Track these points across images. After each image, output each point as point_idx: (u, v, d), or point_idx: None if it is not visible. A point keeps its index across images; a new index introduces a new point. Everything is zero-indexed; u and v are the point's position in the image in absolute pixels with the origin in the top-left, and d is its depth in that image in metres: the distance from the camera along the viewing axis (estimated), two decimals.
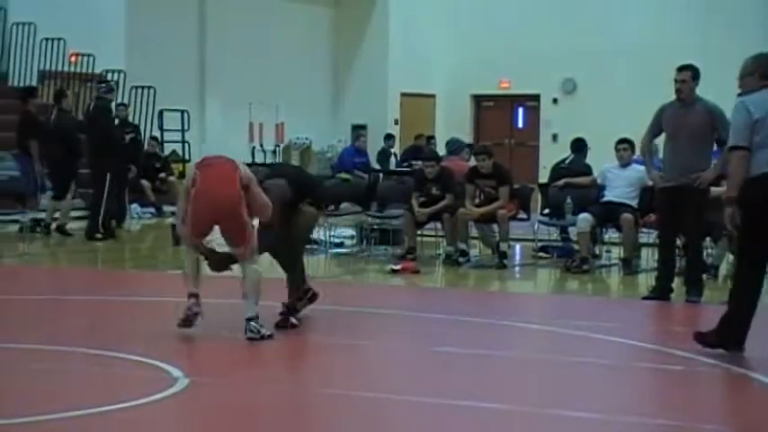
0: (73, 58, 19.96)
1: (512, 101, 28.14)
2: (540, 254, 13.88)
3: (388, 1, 26.69)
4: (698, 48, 21.22)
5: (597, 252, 13.24)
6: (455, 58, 27.26)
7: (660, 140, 10.63)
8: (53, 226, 15.66)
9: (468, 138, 25.05)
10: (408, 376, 7.21)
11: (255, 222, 8.31)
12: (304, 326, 8.35)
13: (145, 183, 18.85)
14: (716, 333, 7.61)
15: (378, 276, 12.52)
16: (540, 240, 14.01)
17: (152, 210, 19.07)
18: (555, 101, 27.27)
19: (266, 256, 8.59)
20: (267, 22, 24.84)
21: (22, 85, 19.40)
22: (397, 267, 12.53)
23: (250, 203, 7.84)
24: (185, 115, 22.33)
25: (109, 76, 18.85)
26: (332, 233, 14.78)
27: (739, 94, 7.81)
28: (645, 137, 10.55)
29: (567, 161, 14.30)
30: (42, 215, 16.03)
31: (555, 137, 26.16)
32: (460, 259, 13.07)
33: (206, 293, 7.96)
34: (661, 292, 10.33)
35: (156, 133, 21.15)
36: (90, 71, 19.76)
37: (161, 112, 21.60)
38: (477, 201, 13.25)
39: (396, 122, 26.75)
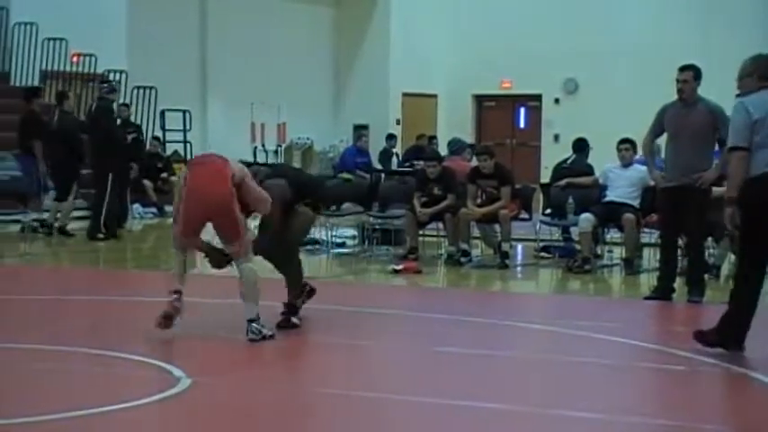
0: (75, 59, 19.98)
1: (513, 101, 28.15)
2: (542, 254, 13.88)
3: (390, 1, 26.70)
4: (699, 48, 21.21)
5: (599, 252, 13.24)
6: (457, 58, 27.27)
7: (662, 140, 10.62)
8: (56, 225, 15.67)
9: (469, 138, 25.06)
10: (410, 376, 7.21)
11: (256, 223, 8.33)
12: (305, 326, 8.35)
13: (147, 183, 18.86)
14: (716, 332, 7.61)
15: (379, 276, 12.52)
16: (542, 240, 14.00)
17: (154, 210, 19.08)
18: (557, 101, 27.28)
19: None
20: (268, 23, 24.85)
21: (24, 84, 19.42)
22: (399, 267, 12.53)
23: (246, 198, 7.84)
24: (187, 115, 22.35)
25: (111, 77, 18.86)
26: (333, 233, 14.79)
27: (738, 95, 7.83)
28: (646, 137, 10.55)
29: (568, 161, 14.29)
30: (45, 215, 16.04)
31: (557, 137, 26.17)
32: (462, 259, 13.07)
33: (206, 293, 7.97)
34: (663, 292, 10.33)
35: (158, 133, 21.17)
36: (92, 71, 19.77)
37: (163, 113, 21.62)
38: (478, 201, 13.25)
39: (397, 122, 26.76)
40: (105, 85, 16.45)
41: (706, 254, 11.15)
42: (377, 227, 14.61)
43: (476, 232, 13.70)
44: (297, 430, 5.96)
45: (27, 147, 16.06)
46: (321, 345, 8.11)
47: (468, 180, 13.30)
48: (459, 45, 27.29)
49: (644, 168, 11.59)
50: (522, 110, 28.33)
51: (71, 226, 15.84)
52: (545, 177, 17.42)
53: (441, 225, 13.54)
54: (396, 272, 12.44)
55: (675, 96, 10.24)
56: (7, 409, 5.88)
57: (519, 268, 13.66)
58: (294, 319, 8.32)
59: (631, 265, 12.50)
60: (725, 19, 24.57)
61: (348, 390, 6.57)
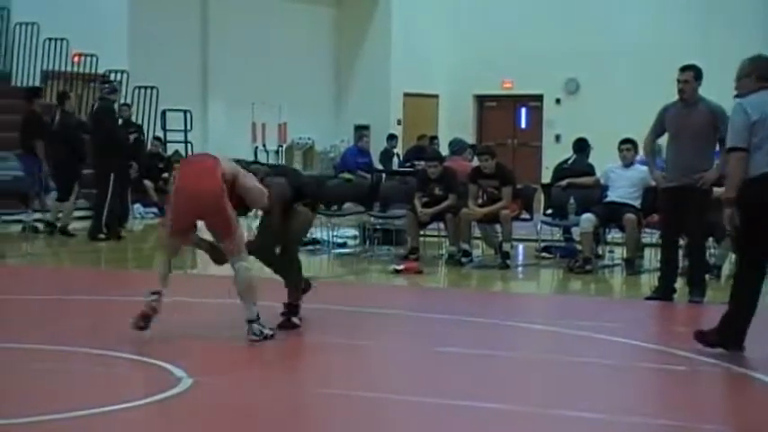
0: (76, 59, 19.99)
1: (514, 101, 28.15)
2: (543, 254, 13.88)
3: (391, 1, 26.70)
4: (699, 48, 21.21)
5: (600, 252, 13.23)
6: (458, 59, 27.28)
7: (663, 141, 10.62)
8: (58, 225, 15.68)
9: (470, 138, 25.05)
10: (410, 376, 7.21)
11: (256, 223, 8.33)
12: (306, 326, 8.35)
13: (147, 183, 18.85)
14: (716, 332, 7.62)
15: (380, 276, 12.52)
16: (543, 241, 14.01)
17: (155, 210, 19.08)
18: (558, 101, 27.28)
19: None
20: (269, 23, 24.86)
21: (25, 85, 19.43)
22: (400, 267, 12.54)
23: (242, 193, 7.85)
24: (188, 115, 22.36)
25: (112, 77, 18.86)
26: (335, 233, 14.79)
27: (736, 96, 7.85)
28: (647, 137, 10.56)
29: (569, 161, 14.29)
30: (47, 215, 16.05)
31: (558, 137, 26.18)
32: (463, 259, 13.07)
33: (206, 293, 7.96)
34: (664, 292, 10.33)
35: (159, 133, 21.17)
36: (93, 71, 19.78)
37: (164, 113, 21.63)
38: (479, 201, 13.24)
39: (398, 123, 26.77)
40: (107, 85, 16.46)
41: (707, 254, 11.15)
42: (378, 227, 14.62)
43: (477, 232, 13.70)
44: (297, 430, 5.96)
45: (29, 147, 16.07)
46: (322, 345, 8.11)
47: (470, 180, 13.30)
48: (460, 45, 27.29)
49: (645, 168, 11.59)
50: (524, 110, 28.33)
51: (72, 226, 15.85)
52: (546, 177, 17.43)
53: (442, 225, 13.54)
54: (397, 272, 12.44)
55: (676, 96, 10.24)
56: (8, 409, 5.88)
57: (520, 268, 13.66)
58: (295, 320, 8.32)
59: (632, 266, 12.50)
60: (725, 19, 24.58)
61: (349, 390, 6.57)
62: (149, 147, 19.57)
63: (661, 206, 10.76)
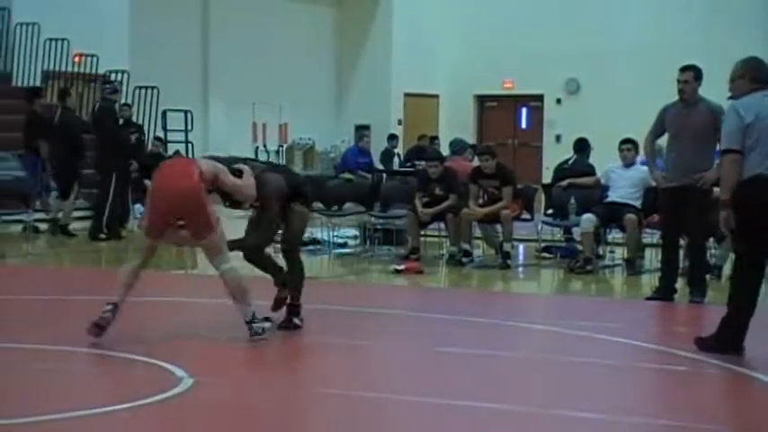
0: (76, 59, 19.99)
1: (515, 101, 28.15)
2: (544, 254, 13.88)
3: (392, 1, 26.70)
4: (700, 48, 21.22)
5: (601, 252, 13.23)
6: (458, 59, 27.27)
7: (664, 141, 10.62)
8: (59, 223, 15.71)
9: (471, 138, 25.04)
10: (411, 376, 7.21)
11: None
12: (307, 326, 8.35)
13: (148, 183, 18.81)
14: (715, 337, 7.64)
15: (381, 276, 12.53)
16: (544, 241, 14.01)
17: None
18: (558, 101, 27.28)
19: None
20: (270, 23, 24.86)
21: (26, 85, 19.43)
22: (401, 267, 12.54)
23: (227, 191, 7.87)
24: (189, 115, 22.35)
25: (112, 77, 18.87)
26: (335, 233, 14.80)
27: (730, 98, 7.88)
28: (647, 137, 10.56)
29: (569, 161, 14.30)
30: (50, 214, 16.07)
31: (558, 137, 26.17)
32: (464, 259, 13.07)
33: (207, 293, 7.95)
34: (664, 292, 10.33)
35: (160, 133, 21.16)
36: (93, 71, 19.78)
37: (164, 113, 21.62)
38: (480, 201, 13.25)
39: (399, 123, 26.77)
40: (108, 85, 16.48)
41: (708, 254, 11.15)
42: (378, 227, 14.62)
43: (477, 232, 13.70)
44: (298, 430, 5.96)
45: (32, 147, 16.07)
46: (322, 345, 8.11)
47: (470, 180, 13.30)
48: (460, 45, 27.29)
49: (645, 169, 11.59)
50: (524, 110, 28.33)
51: (73, 226, 15.86)
52: (547, 178, 17.43)
53: (442, 225, 13.54)
54: (397, 272, 12.44)
55: (676, 97, 10.25)
56: (9, 409, 5.89)
57: (520, 268, 13.66)
58: (296, 320, 8.32)
59: (633, 266, 12.50)
60: (726, 19, 24.57)
61: (349, 390, 6.57)
62: (150, 147, 19.56)
63: (661, 206, 10.76)
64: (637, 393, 6.96)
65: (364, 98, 26.65)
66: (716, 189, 10.09)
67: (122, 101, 18.29)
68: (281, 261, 8.56)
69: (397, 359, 7.83)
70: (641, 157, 12.32)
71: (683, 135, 10.06)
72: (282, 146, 24.98)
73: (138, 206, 18.23)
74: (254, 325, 7.75)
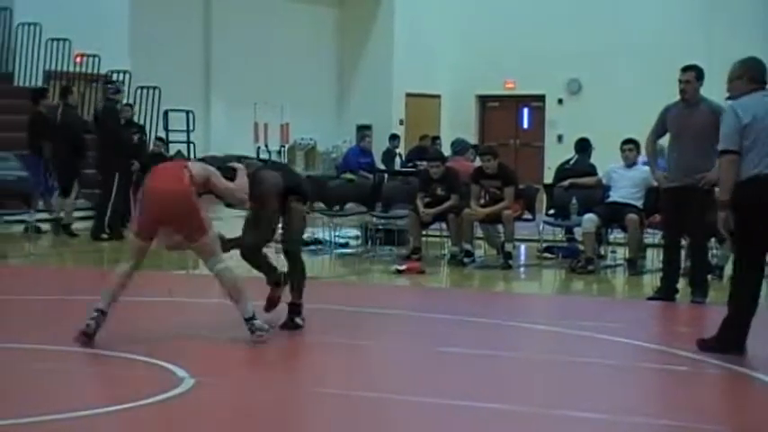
0: (78, 59, 19.99)
1: (517, 101, 28.15)
2: (545, 254, 13.87)
3: (394, 1, 26.70)
4: (702, 48, 21.23)
5: (602, 253, 13.23)
6: (460, 59, 27.27)
7: (666, 141, 10.62)
8: (62, 223, 15.73)
9: (473, 138, 25.01)
10: (412, 376, 7.21)
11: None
12: (308, 326, 8.35)
13: None
14: (716, 339, 7.65)
15: (383, 277, 12.53)
16: (545, 241, 14.00)
17: None
18: (560, 101, 27.27)
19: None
20: (272, 23, 24.86)
21: (27, 85, 19.44)
22: (402, 268, 12.54)
23: (218, 194, 7.89)
24: (190, 116, 22.34)
25: (114, 77, 18.88)
26: (337, 233, 14.79)
27: (728, 98, 7.89)
28: (649, 137, 10.56)
29: (571, 162, 14.29)
30: (48, 216, 16.08)
31: (560, 137, 26.16)
32: (465, 260, 13.07)
33: (207, 293, 7.95)
34: (666, 292, 10.33)
35: (161, 134, 21.16)
36: (95, 72, 19.79)
37: (166, 113, 21.61)
38: (482, 201, 13.24)
39: (401, 123, 26.76)
40: (111, 85, 16.49)
41: (709, 254, 11.15)
42: (380, 227, 14.62)
43: (479, 233, 13.70)
44: (299, 430, 5.97)
45: (36, 148, 16.07)
46: (324, 345, 8.11)
47: (472, 180, 13.30)
48: (462, 45, 27.28)
49: (647, 169, 11.59)
50: (526, 110, 28.32)
51: (75, 226, 15.87)
52: (548, 178, 17.43)
53: (444, 225, 13.54)
54: (399, 272, 12.44)
55: (678, 97, 10.24)
56: (11, 409, 5.89)
57: (522, 269, 13.66)
58: (298, 320, 8.32)
59: (635, 266, 12.49)
60: (727, 19, 24.55)
61: (350, 390, 6.57)
62: (152, 147, 19.57)
63: (663, 206, 10.76)
64: (638, 393, 6.96)
65: (366, 98, 26.65)
66: (717, 189, 10.11)
67: (124, 101, 18.30)
68: (281, 261, 8.56)
69: (399, 359, 7.84)
70: (643, 157, 12.32)
71: (685, 135, 10.06)
72: (284, 146, 24.97)
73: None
74: (254, 322, 7.74)
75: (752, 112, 7.51)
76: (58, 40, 19.65)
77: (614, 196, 12.67)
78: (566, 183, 13.55)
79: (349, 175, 18.10)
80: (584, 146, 14.44)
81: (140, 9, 21.22)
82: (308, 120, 25.38)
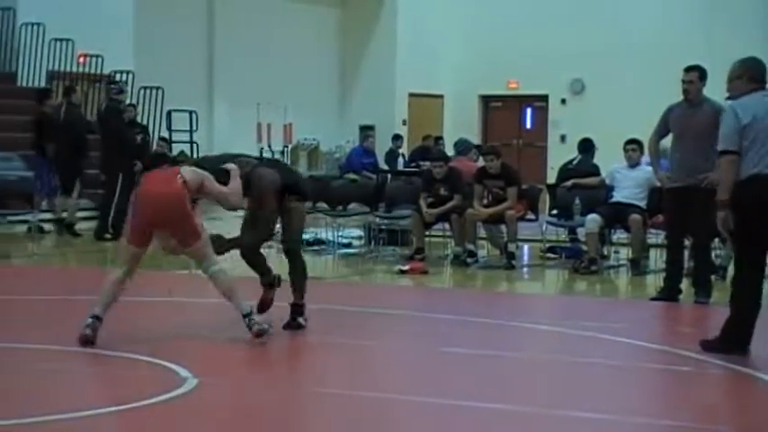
0: (81, 59, 20.00)
1: (520, 101, 28.13)
2: (549, 254, 13.87)
3: (396, 1, 26.70)
4: (705, 48, 21.20)
5: (605, 253, 13.23)
6: (463, 59, 27.25)
7: (669, 141, 10.61)
8: (65, 222, 15.74)
9: (476, 138, 25.03)
10: (415, 377, 7.21)
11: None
12: (311, 326, 8.35)
13: None
14: (719, 339, 7.64)
15: (386, 277, 12.53)
16: (549, 241, 14.00)
17: None
18: (563, 101, 27.25)
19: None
20: (275, 23, 24.86)
21: (30, 85, 19.45)
22: (405, 268, 12.54)
23: (213, 199, 7.90)
24: (193, 116, 22.36)
25: (117, 77, 18.88)
26: (340, 233, 14.80)
27: (728, 98, 7.89)
28: (652, 137, 10.56)
29: (574, 162, 14.29)
30: (51, 216, 16.09)
31: (563, 137, 26.14)
32: (468, 260, 13.07)
33: (209, 293, 7.94)
34: (669, 292, 10.32)
35: (165, 134, 21.17)
36: (98, 72, 19.80)
37: (169, 113, 21.62)
38: (485, 201, 13.25)
39: (404, 123, 26.75)
40: (114, 85, 16.49)
41: (712, 255, 11.14)
42: (383, 227, 14.62)
43: (482, 233, 13.71)
44: (302, 430, 5.97)
45: (41, 148, 16.08)
46: (327, 345, 8.11)
47: (475, 180, 13.30)
48: (465, 45, 27.27)
49: (650, 169, 11.57)
50: (529, 110, 28.29)
51: (78, 226, 15.89)
52: (551, 178, 17.43)
53: (447, 225, 13.54)
54: (402, 272, 12.44)
55: (681, 97, 10.24)
56: (15, 409, 5.90)
57: (525, 269, 13.66)
58: (300, 319, 8.31)
59: (638, 266, 12.49)
60: (729, 19, 24.53)
61: (354, 390, 6.57)
62: (155, 147, 19.58)
63: (666, 207, 10.75)
64: (641, 394, 6.96)
65: (369, 98, 26.65)
66: None
67: (127, 101, 18.31)
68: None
69: (402, 359, 7.84)
70: (646, 157, 12.31)
71: (688, 135, 10.06)
72: (287, 146, 24.96)
73: None
74: (252, 318, 7.72)
75: (752, 112, 7.51)
76: (61, 40, 19.66)
77: (617, 196, 12.67)
78: (569, 183, 13.54)
79: (352, 176, 18.11)
80: (587, 146, 14.43)
81: (143, 9, 21.22)
82: (311, 120, 25.38)
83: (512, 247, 13.03)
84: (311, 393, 6.64)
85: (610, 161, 13.62)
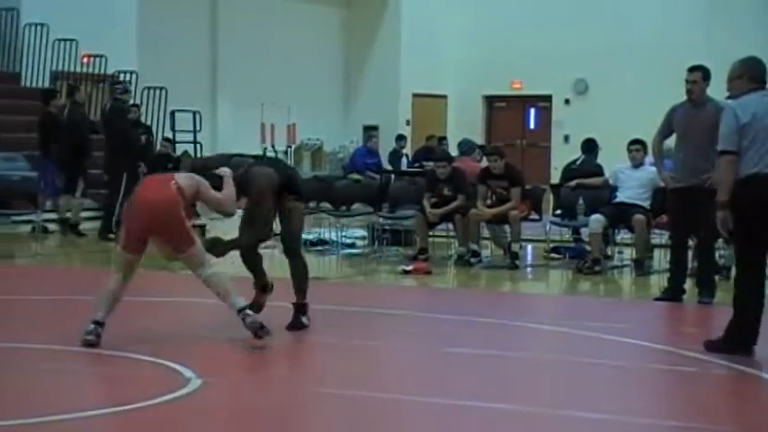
0: (85, 59, 20.02)
1: (523, 101, 28.13)
2: (552, 255, 13.88)
3: (400, 1, 26.70)
4: (708, 48, 21.19)
5: (609, 253, 13.22)
6: (467, 59, 27.26)
7: (672, 141, 10.61)
8: (69, 222, 15.75)
9: (479, 138, 25.04)
10: (419, 377, 7.21)
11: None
12: (315, 326, 8.35)
13: None
14: (723, 340, 7.64)
15: (389, 277, 12.53)
16: (552, 241, 14.00)
17: None
18: (567, 101, 27.25)
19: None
20: (279, 23, 24.88)
21: (34, 85, 19.47)
22: (409, 268, 12.54)
23: (209, 206, 7.90)
24: (197, 116, 22.35)
25: (121, 77, 18.90)
26: (343, 234, 14.80)
27: (728, 97, 7.89)
28: (655, 137, 10.56)
29: (578, 162, 14.28)
30: (55, 216, 16.11)
31: (567, 137, 26.13)
32: (472, 260, 13.07)
33: (209, 294, 7.92)
34: (673, 293, 10.32)
35: (168, 134, 21.17)
36: (102, 72, 19.81)
37: (173, 113, 21.63)
38: (488, 201, 13.24)
39: (407, 123, 26.76)
40: (119, 85, 16.51)
41: (716, 255, 11.13)
42: (387, 227, 14.62)
43: (486, 233, 13.70)
44: (306, 430, 5.97)
45: (47, 148, 16.10)
46: (330, 345, 8.11)
47: (479, 181, 13.30)
48: (469, 46, 27.27)
49: (654, 169, 11.57)
50: (533, 110, 28.30)
51: (82, 226, 15.89)
52: (555, 178, 17.42)
53: (451, 226, 13.54)
54: (405, 272, 12.44)
55: (685, 97, 10.24)
56: (19, 410, 5.90)
57: (529, 269, 13.65)
58: (303, 319, 8.31)
59: (642, 266, 12.48)
60: (732, 19, 24.51)
61: (358, 390, 6.57)
62: (158, 147, 19.58)
63: (670, 207, 10.75)
64: (645, 394, 6.95)
65: (372, 99, 26.66)
66: None
67: (131, 101, 18.32)
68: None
69: (405, 359, 7.84)
70: (650, 157, 12.30)
71: (691, 135, 10.05)
72: (291, 146, 24.98)
73: None
74: (246, 312, 7.70)
75: (751, 112, 7.50)
76: (64, 40, 19.68)
77: (621, 197, 12.66)
78: (572, 183, 13.54)
79: (356, 176, 18.10)
80: (590, 146, 14.43)
81: (147, 9, 21.24)
82: (315, 120, 25.39)
83: (515, 247, 13.03)
84: (315, 393, 6.64)
85: (613, 161, 13.61)
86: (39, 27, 19.74)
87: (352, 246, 14.83)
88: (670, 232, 10.96)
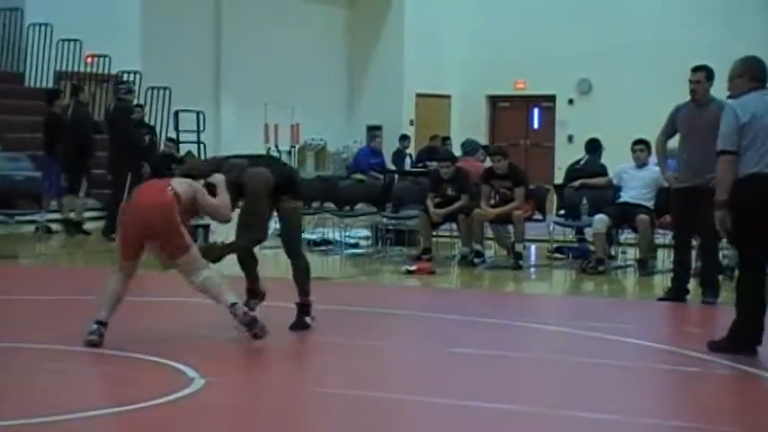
0: (89, 60, 20.03)
1: (527, 101, 28.13)
2: (556, 255, 13.86)
3: (404, 1, 26.71)
4: (711, 48, 21.12)
5: (613, 253, 13.22)
6: (470, 59, 27.26)
7: (676, 141, 10.60)
8: (73, 221, 15.76)
9: (483, 138, 25.01)
10: (423, 377, 7.21)
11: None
12: (318, 326, 8.35)
13: None
14: (727, 340, 7.63)
15: (393, 277, 12.53)
16: (556, 241, 13.99)
17: None
18: (570, 101, 27.24)
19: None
20: (282, 23, 24.88)
21: (38, 86, 19.48)
22: (413, 268, 12.54)
23: (205, 212, 7.90)
24: (201, 116, 22.36)
25: (124, 77, 18.91)
26: (347, 234, 14.80)
27: (729, 97, 7.89)
28: (659, 137, 10.55)
29: (581, 162, 14.28)
30: (58, 215, 16.12)
31: (570, 138, 26.12)
32: (476, 260, 13.07)
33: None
34: (677, 293, 10.31)
35: (172, 134, 21.18)
36: (106, 72, 19.83)
37: (176, 113, 21.64)
38: (492, 201, 13.24)
39: (411, 123, 26.76)
40: (122, 86, 16.52)
41: (720, 255, 11.13)
42: (390, 227, 14.62)
43: (489, 233, 13.70)
44: (310, 430, 5.97)
45: (51, 149, 16.11)
46: (334, 345, 8.11)
47: (482, 181, 13.30)
48: (472, 46, 27.27)
49: (658, 169, 11.56)
50: (536, 110, 28.29)
51: (87, 226, 15.90)
52: (559, 178, 17.41)
53: (454, 226, 13.54)
54: (409, 272, 12.44)
55: (688, 97, 10.24)
56: (23, 410, 5.90)
57: (532, 269, 13.65)
58: (307, 319, 8.31)
59: (645, 266, 12.47)
60: (737, 19, 24.50)
61: (361, 390, 6.57)
62: (162, 147, 19.59)
63: (673, 207, 10.74)
64: (648, 394, 6.94)
65: (376, 99, 26.66)
66: None
67: (135, 102, 18.32)
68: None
69: (409, 359, 7.84)
70: (654, 157, 12.30)
71: (695, 135, 10.04)
72: (294, 146, 24.98)
73: None
74: (237, 306, 7.67)
75: (751, 111, 7.50)
76: (68, 40, 19.69)
77: (625, 197, 12.66)
78: (576, 183, 13.54)
79: (359, 176, 18.11)
80: (594, 146, 14.43)
81: (151, 10, 21.25)
82: (319, 120, 25.39)
83: (519, 247, 13.02)
84: (318, 393, 6.64)
85: (617, 161, 13.61)
86: (42, 27, 19.76)
87: (355, 246, 14.82)
88: (673, 232, 10.95)
